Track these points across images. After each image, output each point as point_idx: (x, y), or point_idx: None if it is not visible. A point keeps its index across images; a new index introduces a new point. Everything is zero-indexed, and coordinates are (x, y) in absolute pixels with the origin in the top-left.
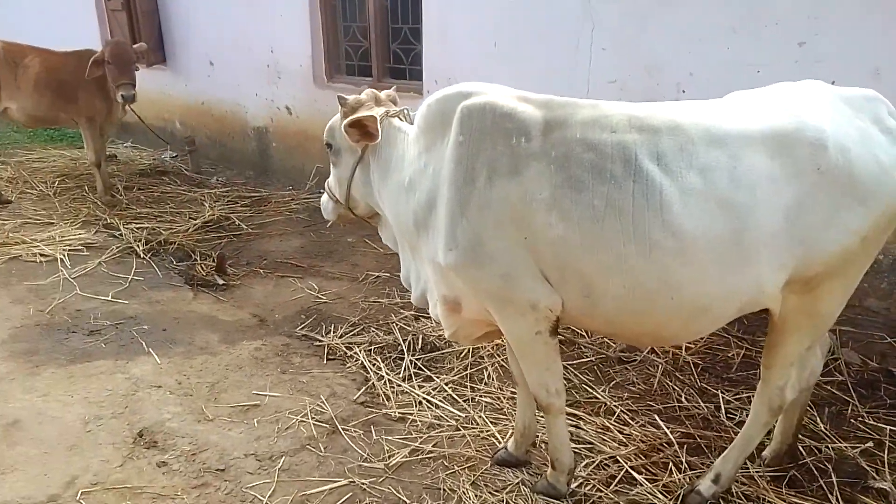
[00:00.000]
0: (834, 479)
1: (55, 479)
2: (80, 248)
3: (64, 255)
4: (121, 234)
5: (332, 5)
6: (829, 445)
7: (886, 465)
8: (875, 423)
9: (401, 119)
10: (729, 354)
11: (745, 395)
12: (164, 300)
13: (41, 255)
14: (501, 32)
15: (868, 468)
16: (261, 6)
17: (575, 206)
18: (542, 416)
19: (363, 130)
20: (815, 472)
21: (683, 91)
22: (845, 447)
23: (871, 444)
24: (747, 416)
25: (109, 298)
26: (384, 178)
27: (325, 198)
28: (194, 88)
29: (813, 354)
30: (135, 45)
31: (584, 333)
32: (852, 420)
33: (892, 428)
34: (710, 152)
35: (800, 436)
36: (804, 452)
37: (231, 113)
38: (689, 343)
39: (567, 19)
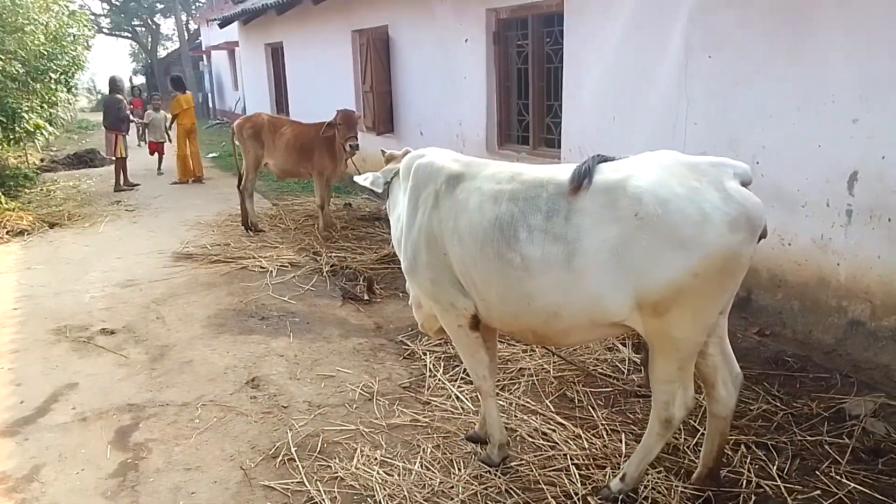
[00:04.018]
0: None
1: (191, 395)
2: (286, 264)
3: (273, 269)
4: (318, 259)
5: (506, 87)
6: (769, 483)
7: None
8: (841, 480)
9: None
10: (751, 406)
11: (734, 437)
12: (320, 305)
13: (260, 266)
14: (618, 108)
15: None
16: (455, 89)
17: (467, 234)
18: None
19: None
20: (738, 499)
21: (758, 162)
22: (783, 487)
23: (817, 492)
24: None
25: (285, 299)
26: (393, 212)
27: None
28: None
29: (724, 383)
30: (356, 113)
31: (610, 370)
32: (818, 473)
33: (855, 485)
34: (555, 199)
35: (758, 474)
36: (746, 483)
37: None
38: None
39: (667, 97)
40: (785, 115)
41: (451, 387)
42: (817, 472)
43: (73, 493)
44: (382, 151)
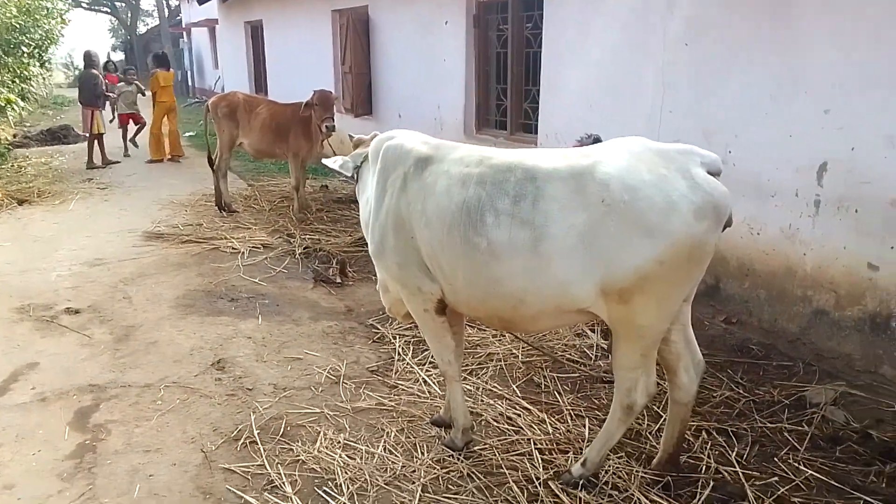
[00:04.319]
0: (706, 492)
1: (154, 376)
2: (259, 246)
3: (245, 250)
4: (292, 241)
5: (486, 71)
6: (728, 469)
7: (773, 498)
8: (798, 467)
9: None
10: (715, 393)
11: (695, 424)
12: (291, 287)
13: (232, 248)
14: (595, 94)
15: (753, 494)
16: (434, 72)
17: (434, 217)
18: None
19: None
20: (697, 484)
21: (730, 151)
22: (742, 473)
23: (775, 478)
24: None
25: (256, 281)
26: (362, 196)
27: None
28: None
29: (686, 370)
30: (333, 94)
31: (578, 355)
32: (776, 459)
33: (812, 472)
34: (523, 184)
35: (717, 460)
36: (705, 468)
37: None
38: None
39: (645, 85)
40: (759, 104)
41: (419, 371)
42: (776, 459)
43: (28, 474)
44: (350, 136)
